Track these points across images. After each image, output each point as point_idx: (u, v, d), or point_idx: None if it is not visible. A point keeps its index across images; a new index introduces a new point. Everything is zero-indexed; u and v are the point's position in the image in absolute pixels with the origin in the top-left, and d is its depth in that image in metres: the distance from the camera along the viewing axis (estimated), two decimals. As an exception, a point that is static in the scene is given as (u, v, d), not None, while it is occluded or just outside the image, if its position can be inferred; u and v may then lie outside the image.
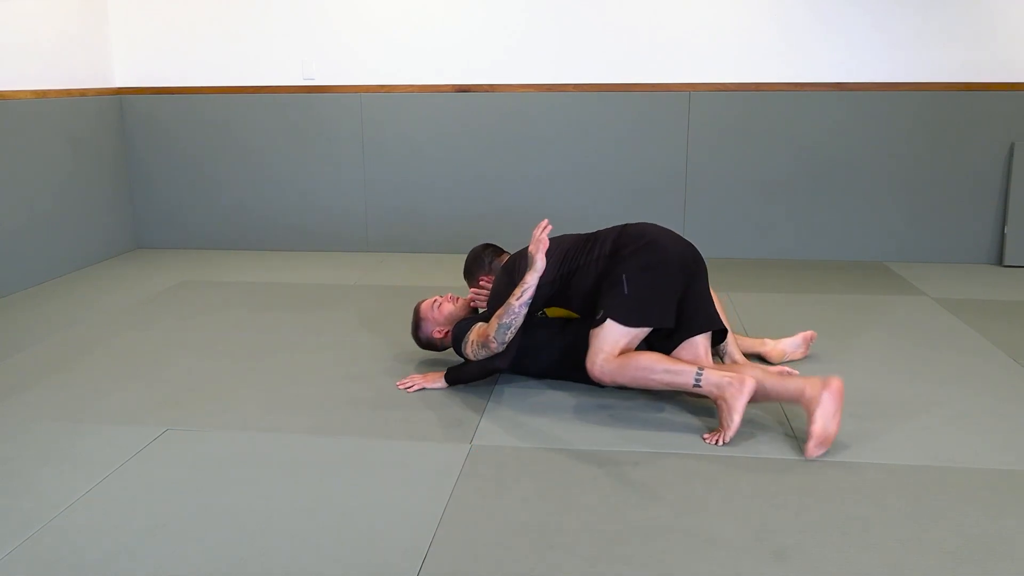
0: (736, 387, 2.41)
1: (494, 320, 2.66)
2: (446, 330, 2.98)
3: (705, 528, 1.99)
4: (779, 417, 2.62)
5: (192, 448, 2.45)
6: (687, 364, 2.52)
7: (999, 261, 4.69)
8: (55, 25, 4.52)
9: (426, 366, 3.09)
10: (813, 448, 2.33)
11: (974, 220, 4.68)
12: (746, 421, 2.57)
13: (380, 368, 3.10)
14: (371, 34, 4.85)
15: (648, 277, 2.61)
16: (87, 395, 2.86)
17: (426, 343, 3.05)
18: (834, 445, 2.41)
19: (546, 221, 2.70)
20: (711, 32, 4.63)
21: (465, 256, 3.24)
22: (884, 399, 2.76)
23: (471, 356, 2.76)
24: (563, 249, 2.80)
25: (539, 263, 2.62)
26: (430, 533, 1.98)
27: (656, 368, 2.49)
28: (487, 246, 3.19)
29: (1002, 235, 4.66)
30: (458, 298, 3.04)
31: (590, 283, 2.71)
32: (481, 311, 3.03)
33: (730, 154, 4.76)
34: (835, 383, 2.37)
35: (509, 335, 2.64)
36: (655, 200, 4.78)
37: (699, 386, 2.46)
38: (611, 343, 2.55)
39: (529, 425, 2.59)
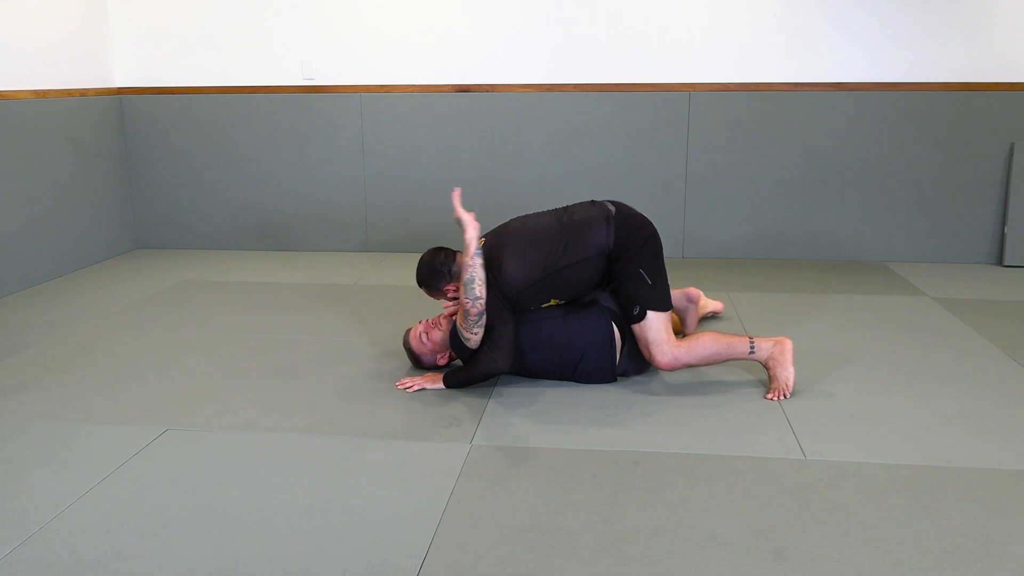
0: (779, 347, 2.76)
1: (460, 286, 2.76)
2: (447, 353, 3.00)
3: (705, 528, 1.99)
4: (779, 417, 2.62)
5: (192, 448, 2.44)
6: (737, 337, 2.82)
7: (999, 261, 4.69)
8: (55, 25, 4.52)
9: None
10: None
11: (974, 220, 4.68)
12: (745, 421, 2.59)
13: (380, 368, 3.10)
14: (371, 34, 4.85)
15: (657, 265, 2.85)
16: (87, 395, 2.86)
17: (433, 369, 3.06)
18: (834, 445, 2.42)
19: (458, 189, 2.84)
20: (711, 32, 4.63)
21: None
22: (884, 399, 2.76)
23: (470, 335, 2.75)
24: (540, 242, 2.83)
25: (466, 218, 2.74)
26: (430, 533, 1.98)
27: (719, 345, 2.79)
28: (438, 251, 2.95)
29: (1002, 235, 4.66)
30: (440, 319, 3.00)
31: (583, 278, 2.86)
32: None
33: (730, 154, 4.76)
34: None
35: (477, 288, 2.70)
36: (655, 200, 4.77)
37: (754, 353, 2.78)
38: (664, 331, 2.79)
39: (529, 425, 2.59)
